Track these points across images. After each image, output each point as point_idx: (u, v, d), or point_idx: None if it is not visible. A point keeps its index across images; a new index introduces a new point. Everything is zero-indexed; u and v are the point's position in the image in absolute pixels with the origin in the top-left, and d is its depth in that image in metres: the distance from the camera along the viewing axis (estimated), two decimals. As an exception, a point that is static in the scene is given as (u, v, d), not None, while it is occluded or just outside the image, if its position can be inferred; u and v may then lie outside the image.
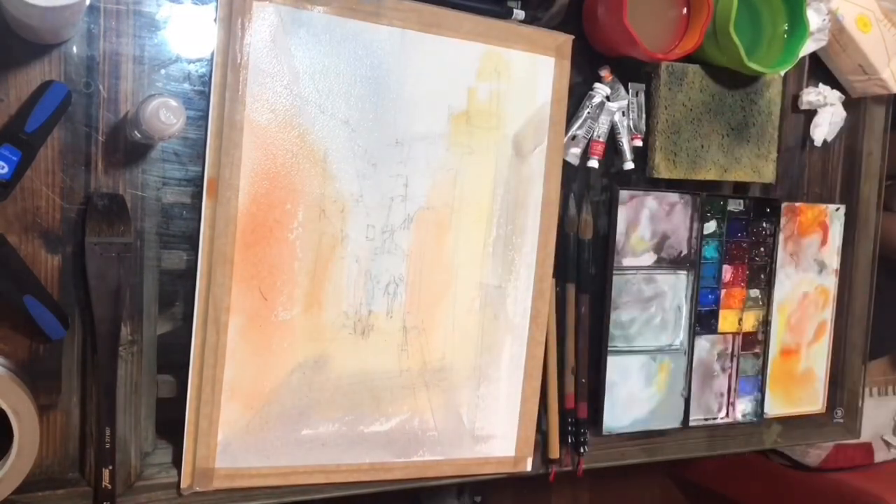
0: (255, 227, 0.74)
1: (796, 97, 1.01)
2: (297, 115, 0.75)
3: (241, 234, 0.73)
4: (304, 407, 0.78)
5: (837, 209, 1.03)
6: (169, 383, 0.75)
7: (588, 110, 0.87)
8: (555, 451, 0.89)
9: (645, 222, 0.91)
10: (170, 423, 0.76)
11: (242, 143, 0.72)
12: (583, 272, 0.89)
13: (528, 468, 0.89)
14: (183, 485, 0.74)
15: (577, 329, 0.89)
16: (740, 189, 0.98)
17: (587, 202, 0.89)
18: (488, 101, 0.82)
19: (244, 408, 0.76)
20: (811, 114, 1.01)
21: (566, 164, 0.88)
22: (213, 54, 0.71)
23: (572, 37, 0.85)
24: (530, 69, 0.84)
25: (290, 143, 0.75)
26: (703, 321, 0.96)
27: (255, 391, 0.76)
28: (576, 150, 0.88)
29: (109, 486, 0.71)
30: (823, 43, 0.96)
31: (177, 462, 0.75)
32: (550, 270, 0.87)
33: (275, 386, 0.77)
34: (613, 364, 0.91)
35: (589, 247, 0.89)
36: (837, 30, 0.97)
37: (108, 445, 0.71)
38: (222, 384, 0.74)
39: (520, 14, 0.83)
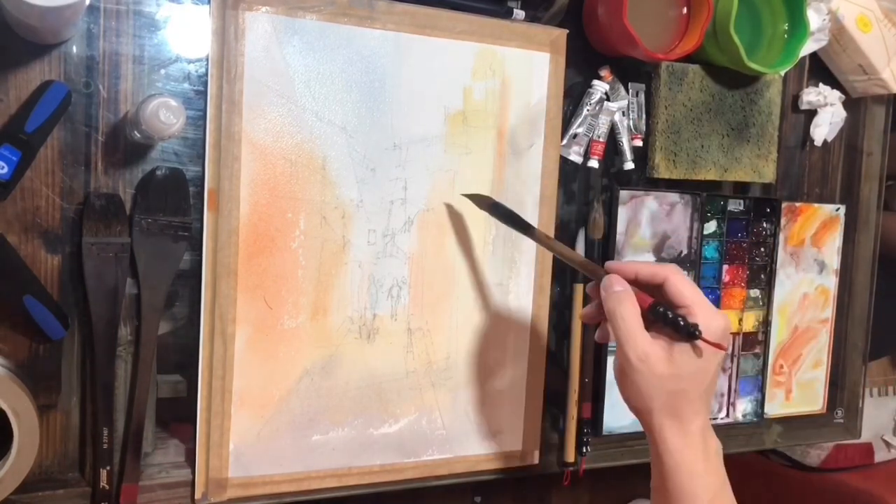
0: (257, 238, 0.74)
1: (796, 97, 1.01)
2: (295, 124, 0.75)
3: (243, 244, 0.73)
4: (314, 413, 0.78)
5: (837, 209, 1.03)
6: (169, 384, 0.75)
7: (588, 108, 0.87)
8: (571, 454, 0.89)
9: (645, 222, 0.91)
10: (171, 423, 0.76)
11: (241, 155, 0.72)
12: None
13: (536, 461, 0.89)
14: (196, 495, 0.74)
15: (584, 328, 0.89)
16: (740, 189, 0.98)
17: (597, 200, 0.89)
18: (484, 100, 0.82)
19: (254, 417, 0.76)
20: (811, 114, 1.01)
21: (568, 163, 0.88)
22: (207, 66, 0.71)
23: (566, 31, 0.85)
24: (525, 66, 0.83)
25: (289, 151, 0.75)
26: (703, 321, 0.95)
27: (265, 400, 0.76)
28: (578, 149, 0.88)
29: (107, 487, 0.71)
30: (823, 43, 0.96)
31: (178, 463, 0.75)
32: (550, 266, 0.87)
33: (284, 393, 0.77)
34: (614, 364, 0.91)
35: (599, 246, 0.89)
36: (837, 30, 0.96)
37: (105, 446, 0.70)
38: (231, 394, 0.74)
39: (520, 14, 0.83)
